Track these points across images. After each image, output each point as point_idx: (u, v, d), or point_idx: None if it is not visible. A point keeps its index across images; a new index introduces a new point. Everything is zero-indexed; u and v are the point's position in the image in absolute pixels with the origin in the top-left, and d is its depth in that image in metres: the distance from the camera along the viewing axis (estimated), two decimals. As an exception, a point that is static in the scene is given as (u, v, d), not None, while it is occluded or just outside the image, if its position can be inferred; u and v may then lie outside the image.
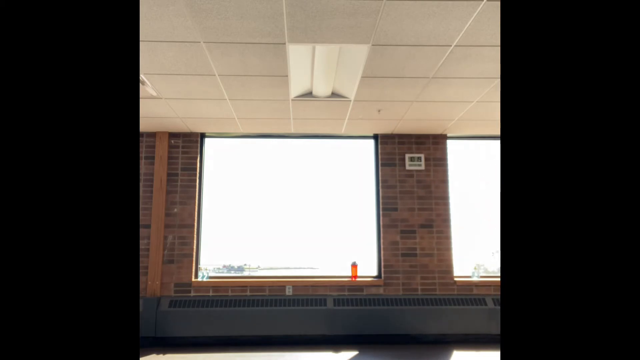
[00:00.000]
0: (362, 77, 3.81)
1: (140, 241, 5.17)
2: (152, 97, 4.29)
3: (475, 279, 5.24)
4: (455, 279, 5.24)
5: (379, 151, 5.47)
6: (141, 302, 4.95)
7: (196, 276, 5.21)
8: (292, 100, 4.36)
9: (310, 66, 3.73)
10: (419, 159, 5.43)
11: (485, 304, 5.05)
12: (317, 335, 4.91)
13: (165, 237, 5.17)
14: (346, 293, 5.13)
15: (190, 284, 5.09)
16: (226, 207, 5.47)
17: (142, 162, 5.33)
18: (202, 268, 5.31)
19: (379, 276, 5.28)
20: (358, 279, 5.16)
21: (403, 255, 5.25)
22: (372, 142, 5.62)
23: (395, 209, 5.35)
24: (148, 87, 3.95)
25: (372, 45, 3.24)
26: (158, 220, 5.17)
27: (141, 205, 5.25)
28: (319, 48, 3.35)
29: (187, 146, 5.38)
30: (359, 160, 5.61)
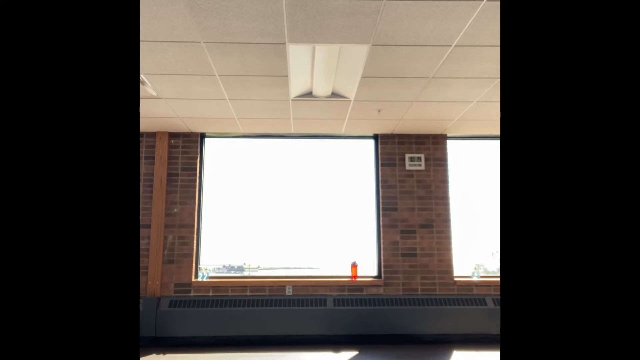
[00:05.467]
0: (362, 77, 3.81)
1: (140, 241, 5.17)
2: (152, 97, 4.29)
3: (475, 279, 5.24)
4: (455, 279, 5.24)
5: (379, 151, 5.47)
6: (141, 302, 4.95)
7: (196, 276, 5.21)
8: (292, 100, 4.36)
9: (310, 66, 3.73)
10: (419, 159, 5.43)
11: (485, 304, 5.05)
12: (317, 335, 4.91)
13: (165, 237, 5.17)
14: (346, 293, 5.13)
15: (190, 284, 5.09)
16: (226, 207, 5.47)
17: (142, 162, 5.33)
18: (202, 268, 5.31)
19: (379, 276, 5.28)
20: (358, 279, 5.16)
21: (403, 255, 5.25)
22: (372, 142, 5.62)
23: (395, 209, 5.34)
24: (148, 87, 3.95)
25: (372, 45, 3.24)
26: (158, 220, 5.17)
27: (141, 205, 5.25)
28: (319, 48, 3.35)
29: (187, 146, 5.38)
30: (359, 160, 5.61)
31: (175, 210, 5.23)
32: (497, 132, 5.44)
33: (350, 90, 4.13)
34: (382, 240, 5.28)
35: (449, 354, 4.44)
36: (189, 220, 5.22)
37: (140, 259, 5.13)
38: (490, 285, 5.19)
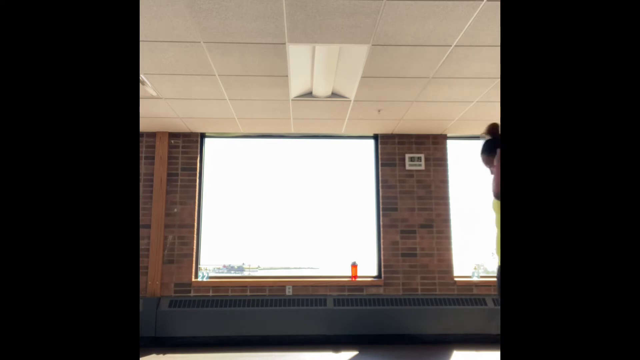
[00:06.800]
0: (362, 77, 3.81)
1: (140, 241, 5.17)
2: (152, 97, 4.29)
3: (475, 279, 5.24)
4: (455, 279, 5.24)
5: (379, 151, 5.47)
6: (141, 302, 4.95)
7: (196, 276, 5.21)
8: (292, 100, 4.36)
9: (310, 66, 3.73)
10: (419, 159, 5.43)
11: (485, 304, 5.05)
12: (317, 335, 4.91)
13: (165, 237, 5.17)
14: (346, 293, 5.13)
15: (190, 284, 5.09)
16: (226, 207, 5.47)
17: (142, 162, 5.33)
18: (202, 268, 5.31)
19: (379, 276, 5.28)
20: (358, 279, 5.16)
21: (403, 255, 5.25)
22: (372, 142, 5.62)
23: (395, 209, 5.34)
24: (148, 87, 3.95)
25: (372, 45, 3.24)
26: (158, 220, 5.16)
27: (141, 205, 5.25)
28: (319, 48, 3.35)
29: (187, 146, 5.38)
30: (359, 160, 5.61)
31: (175, 210, 5.23)
32: (497, 132, 5.43)
33: (350, 90, 4.13)
34: (382, 240, 5.28)
35: (449, 354, 4.44)
36: (189, 220, 5.22)
37: (140, 259, 5.13)
38: (490, 285, 5.19)
